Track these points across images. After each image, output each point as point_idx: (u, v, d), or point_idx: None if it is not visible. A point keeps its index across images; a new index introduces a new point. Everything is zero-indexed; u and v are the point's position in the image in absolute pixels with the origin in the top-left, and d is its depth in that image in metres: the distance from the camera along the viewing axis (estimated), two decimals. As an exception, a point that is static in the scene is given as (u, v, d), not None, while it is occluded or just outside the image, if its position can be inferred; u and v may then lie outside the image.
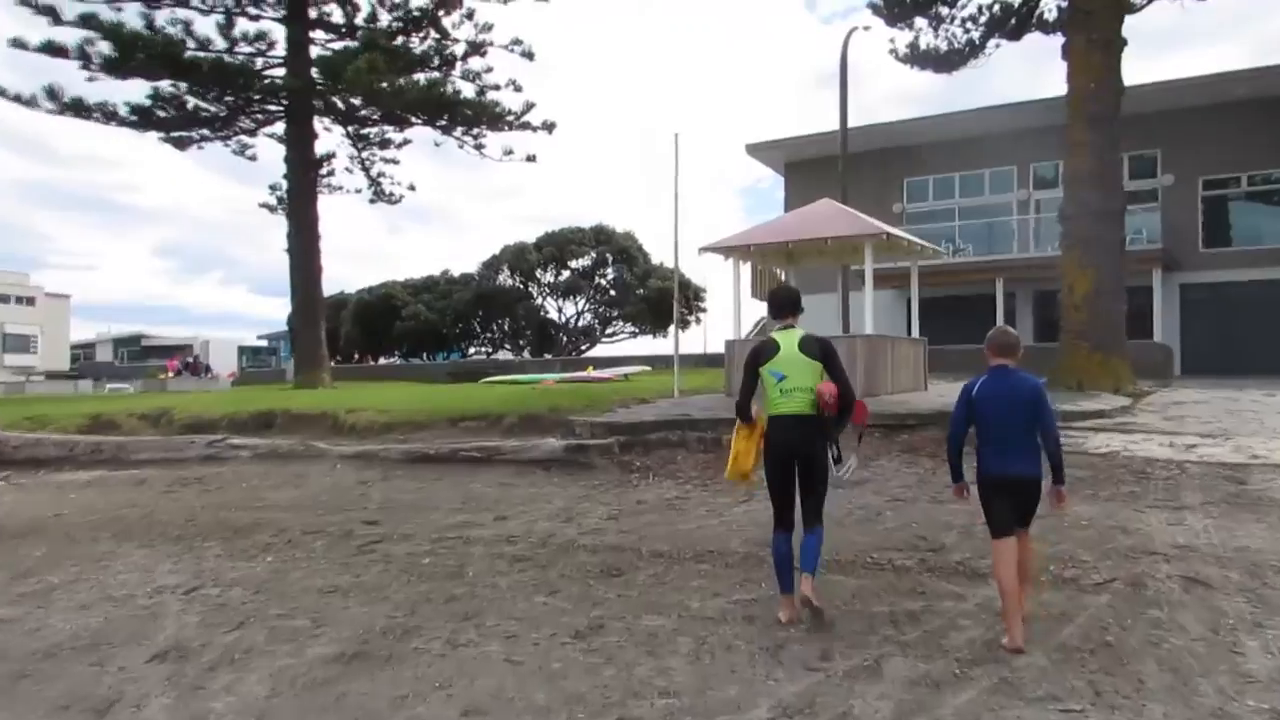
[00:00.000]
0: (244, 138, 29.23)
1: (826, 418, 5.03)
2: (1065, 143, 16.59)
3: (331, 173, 31.45)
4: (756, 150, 33.01)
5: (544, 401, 13.74)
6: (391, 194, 32.53)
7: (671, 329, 48.67)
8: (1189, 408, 14.32)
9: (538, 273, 46.36)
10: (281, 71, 26.65)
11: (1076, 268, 16.10)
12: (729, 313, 15.92)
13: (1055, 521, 7.26)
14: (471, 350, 48.68)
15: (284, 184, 28.27)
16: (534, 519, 8.37)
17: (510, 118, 28.33)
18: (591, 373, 23.62)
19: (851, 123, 22.87)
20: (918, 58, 22.07)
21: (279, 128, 28.34)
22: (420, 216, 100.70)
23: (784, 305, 5.38)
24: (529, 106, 27.96)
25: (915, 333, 17.01)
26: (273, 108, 27.85)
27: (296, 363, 28.68)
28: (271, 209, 30.03)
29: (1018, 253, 27.97)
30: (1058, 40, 17.73)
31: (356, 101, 27.24)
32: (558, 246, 44.96)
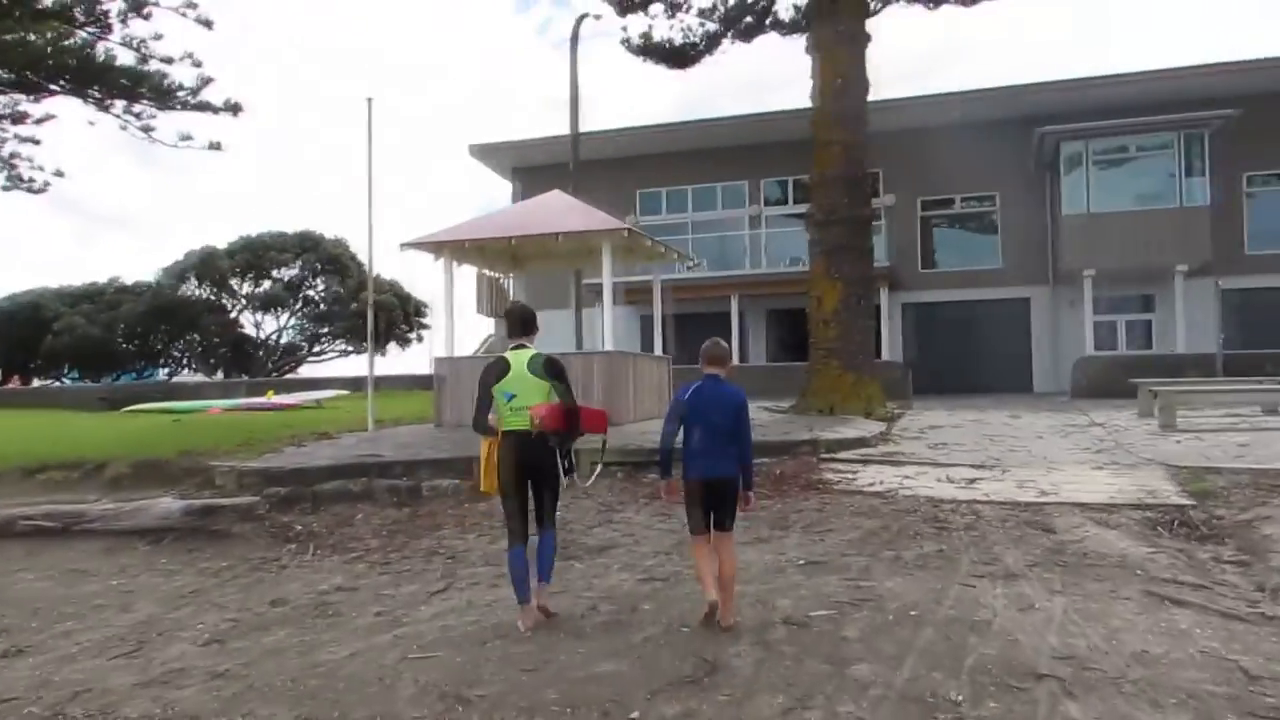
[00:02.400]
0: None
1: (553, 433, 5.19)
2: (813, 143, 15.26)
3: (-59, 147, 25.01)
4: (483, 153, 30.26)
5: (178, 441, 10.13)
6: (31, 180, 26.43)
7: (390, 347, 44.56)
8: (946, 433, 13.23)
9: (232, 283, 40.50)
10: None
11: (826, 278, 14.76)
12: (460, 325, 13.11)
13: (882, 620, 5.08)
14: (162, 371, 41.83)
15: None
16: (70, 653, 5.02)
17: (182, 93, 23.62)
18: (272, 399, 19.61)
19: (585, 132, 20.75)
20: (650, 49, 20.38)
21: None
22: (119, 225, 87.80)
23: (516, 325, 5.45)
24: (205, 81, 23.43)
25: (658, 350, 14.98)
26: None
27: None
28: None
29: (750, 269, 27.15)
30: (794, 43, 16.63)
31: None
32: (254, 253, 39.44)
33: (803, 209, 28.03)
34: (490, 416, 5.33)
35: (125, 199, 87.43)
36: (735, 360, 24.01)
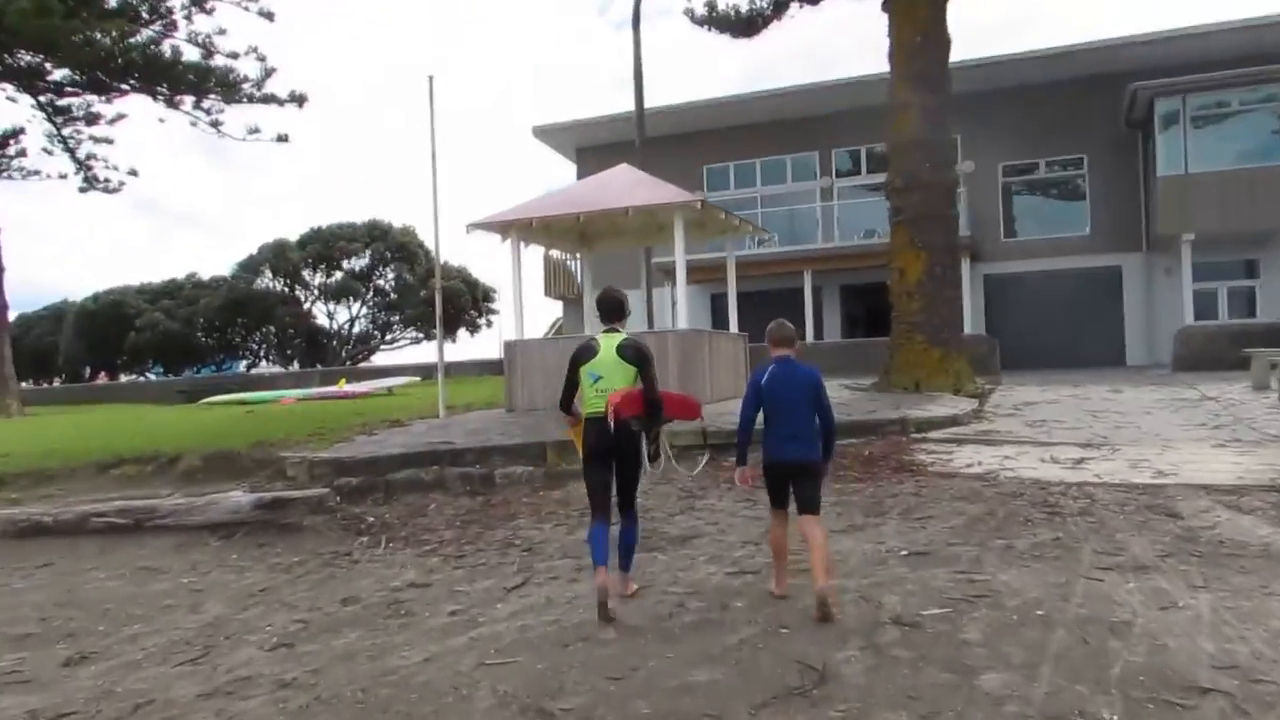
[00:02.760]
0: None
1: (634, 418, 5.16)
2: (890, 106, 14.51)
3: (22, 152, 25.66)
4: (545, 134, 29.93)
5: (250, 432, 10.00)
6: (107, 181, 26.98)
7: (459, 333, 44.73)
8: (1042, 409, 12.46)
9: (304, 274, 41.05)
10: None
11: (908, 248, 14.05)
12: (527, 308, 12.78)
13: (1004, 619, 4.56)
14: (240, 364, 42.73)
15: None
16: (135, 659, 4.78)
17: (247, 86, 23.79)
18: (344, 387, 19.60)
19: (650, 108, 20.21)
20: (716, 19, 19.68)
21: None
22: (194, 222, 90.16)
23: (610, 310, 5.45)
24: (269, 72, 23.59)
25: (734, 328, 14.44)
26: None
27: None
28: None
29: (822, 243, 26.33)
30: (862, 6, 15.83)
31: (38, 59, 21.84)
32: (324, 244, 39.88)
33: (875, 180, 27.20)
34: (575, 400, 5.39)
35: (199, 197, 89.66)
36: (809, 338, 23.31)
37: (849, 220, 27.24)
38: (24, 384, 41.60)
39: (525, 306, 13.01)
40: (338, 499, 8.04)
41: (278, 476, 8.79)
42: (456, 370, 26.09)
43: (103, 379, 40.80)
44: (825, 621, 4.60)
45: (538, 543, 6.78)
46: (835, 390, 15.02)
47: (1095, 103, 24.19)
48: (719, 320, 23.64)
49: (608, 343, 5.24)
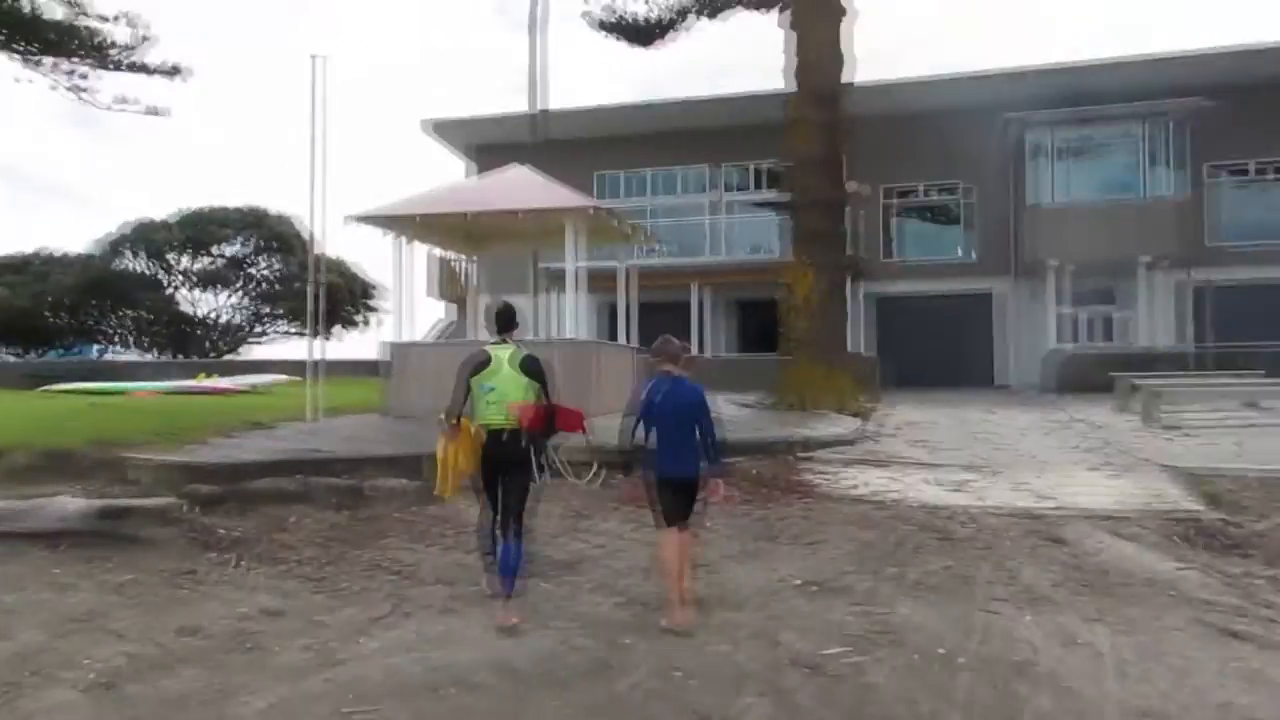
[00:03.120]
0: None
1: (528, 432, 5.17)
2: (787, 123, 14.50)
3: None
4: (438, 129, 29.01)
5: (91, 427, 9.06)
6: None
7: (337, 330, 42.97)
8: (925, 429, 12.60)
9: (170, 257, 38.58)
10: None
11: (798, 265, 14.03)
12: (411, 308, 12.12)
13: (907, 660, 4.35)
14: (95, 349, 39.76)
15: None
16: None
17: (115, 51, 22.09)
18: (205, 382, 18.33)
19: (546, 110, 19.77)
20: (614, 25, 19.45)
21: None
22: (60, 194, 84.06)
23: (499, 321, 5.44)
24: (142, 39, 21.91)
25: (624, 339, 14.12)
26: None
27: None
28: None
29: (711, 256, 26.35)
30: (763, 22, 15.93)
31: None
32: (196, 227, 37.57)
33: (766, 196, 27.48)
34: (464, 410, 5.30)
35: (68, 169, 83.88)
36: (696, 351, 23.23)
37: (738, 235, 27.38)
38: None
39: (409, 307, 12.38)
40: (186, 509, 7.28)
41: (118, 479, 7.95)
42: (332, 370, 24.79)
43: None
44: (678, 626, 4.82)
45: (409, 565, 6.26)
46: (724, 406, 14.81)
47: (975, 131, 24.98)
48: (604, 329, 23.34)
49: (499, 354, 5.24)
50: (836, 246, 14.29)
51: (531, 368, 5.22)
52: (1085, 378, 18.35)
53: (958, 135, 25.20)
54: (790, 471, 9.63)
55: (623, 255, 14.20)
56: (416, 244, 14.13)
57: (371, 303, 42.55)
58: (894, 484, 9.00)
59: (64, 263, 37.63)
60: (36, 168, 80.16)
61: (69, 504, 6.65)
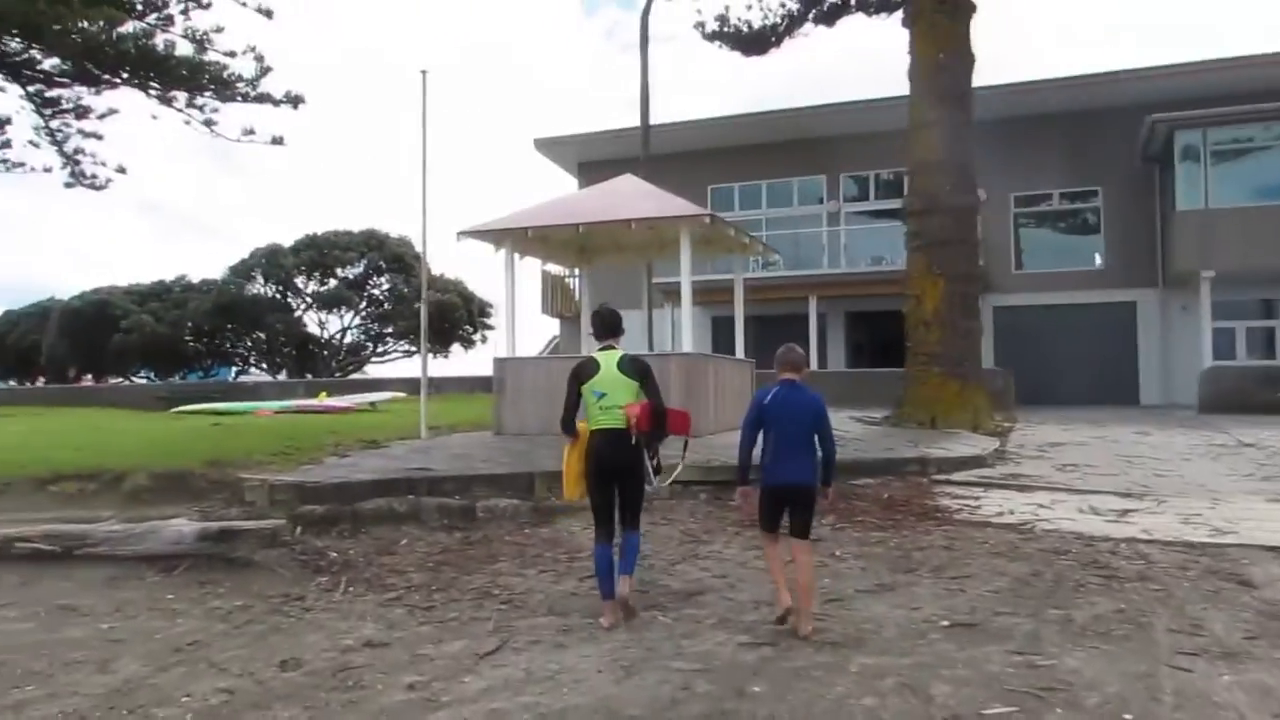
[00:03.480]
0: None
1: (640, 433, 5.24)
2: (910, 126, 13.76)
3: (7, 143, 24.75)
4: (547, 146, 29.22)
5: (212, 448, 9.10)
6: (94, 177, 26.05)
7: (456, 348, 43.86)
8: (1070, 451, 11.63)
9: (297, 281, 40.14)
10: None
11: (926, 275, 13.26)
12: (524, 326, 11.92)
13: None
14: (231, 370, 41.69)
15: (-73, 149, 21.51)
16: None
17: (241, 84, 22.97)
18: (324, 401, 18.67)
19: (656, 125, 19.48)
20: (726, 35, 19.02)
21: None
22: (196, 226, 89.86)
23: (606, 327, 5.53)
24: (264, 71, 22.70)
25: (740, 353, 13.61)
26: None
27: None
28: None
29: (828, 269, 25.55)
30: (883, 22, 15.22)
31: (24, 45, 21.03)
32: (319, 251, 39.00)
33: (885, 205, 26.56)
34: (578, 423, 5.45)
35: (203, 200, 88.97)
36: (814, 366, 22.50)
37: (856, 246, 26.51)
38: (7, 383, 40.68)
39: (521, 323, 12.22)
40: (296, 530, 7.15)
41: (235, 500, 7.91)
42: (448, 387, 25.21)
43: (88, 381, 39.82)
44: (801, 636, 4.79)
45: (519, 593, 5.90)
46: (846, 423, 14.24)
47: (1112, 134, 23.52)
48: (720, 345, 22.83)
49: (607, 359, 5.34)
50: (968, 255, 13.43)
51: (633, 368, 5.31)
52: (1247, 397, 16.83)
53: (1094, 140, 23.79)
54: (924, 495, 8.93)
55: (738, 267, 13.69)
56: (528, 259, 14.01)
57: (488, 320, 43.25)
58: (1043, 511, 8.20)
59: (199, 289, 39.62)
60: (175, 201, 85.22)
61: (184, 527, 6.57)
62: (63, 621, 5.50)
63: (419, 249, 42.46)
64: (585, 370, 5.33)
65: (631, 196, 11.50)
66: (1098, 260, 24.93)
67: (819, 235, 26.55)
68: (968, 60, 13.55)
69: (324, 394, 20.04)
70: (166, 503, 7.80)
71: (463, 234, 11.33)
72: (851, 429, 12.73)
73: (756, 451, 5.08)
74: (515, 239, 11.56)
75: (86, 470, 8.22)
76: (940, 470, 9.83)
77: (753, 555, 6.72)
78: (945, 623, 5.20)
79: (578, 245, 13.02)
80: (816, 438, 4.99)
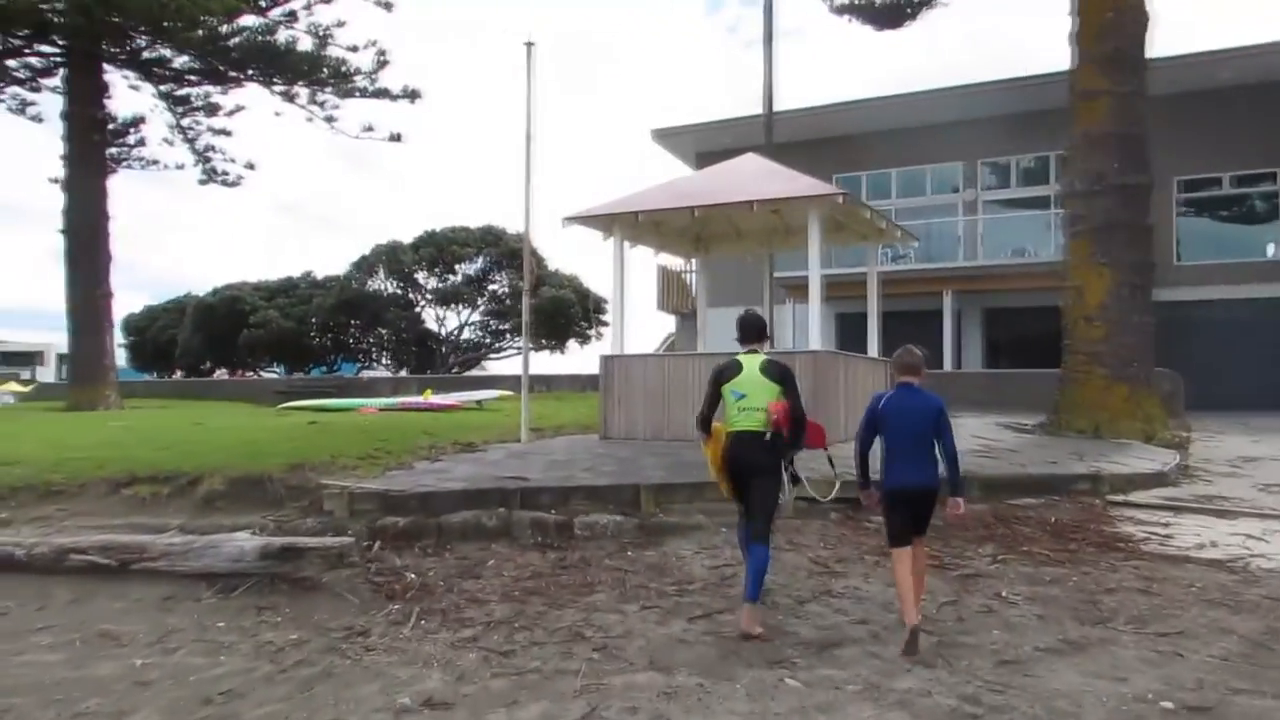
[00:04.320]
0: (20, 90, 23.08)
1: (779, 435, 5.14)
2: (1074, 95, 12.15)
3: (141, 141, 25.51)
4: (664, 137, 28.26)
5: (298, 449, 8.47)
6: (225, 174, 26.68)
7: (571, 344, 43.49)
8: (1268, 467, 9.89)
9: (417, 277, 40.39)
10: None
11: (1089, 264, 11.67)
12: (638, 322, 11.05)
13: None
14: (354, 366, 42.42)
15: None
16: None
17: (360, 78, 22.95)
18: (430, 399, 18.17)
19: (778, 111, 18.18)
20: (857, 7, 17.63)
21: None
22: (329, 224, 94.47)
23: (750, 331, 5.44)
24: (382, 63, 22.67)
25: (873, 351, 12.31)
26: (48, 49, 21.89)
27: (72, 376, 22.65)
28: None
29: (964, 261, 23.72)
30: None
31: (151, 45, 21.50)
32: (438, 247, 39.07)
33: (1027, 193, 24.53)
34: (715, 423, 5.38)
35: (336, 199, 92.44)
36: (948, 366, 20.80)
37: (995, 238, 24.56)
38: (148, 376, 42.44)
39: (635, 320, 11.29)
40: (375, 545, 6.36)
41: (313, 509, 7.20)
42: (560, 384, 24.57)
43: (222, 374, 41.16)
44: (911, 655, 4.45)
45: (616, 636, 4.91)
46: (994, 431, 12.73)
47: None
48: (846, 344, 21.39)
49: (749, 361, 5.27)
50: (1139, 241, 11.75)
51: (775, 372, 5.22)
52: None
53: (1273, 115, 21.25)
54: (1100, 519, 7.52)
55: (872, 258, 12.36)
56: (643, 251, 13.04)
57: (604, 316, 42.62)
58: (1256, 544, 6.73)
59: (323, 285, 40.29)
60: (311, 201, 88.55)
61: (245, 543, 5.84)
62: (96, 653, 4.80)
63: (537, 246, 41.87)
64: (727, 371, 5.28)
65: (754, 177, 10.39)
66: (1270, 251, 22.31)
67: (954, 226, 24.70)
68: (1141, 19, 11.85)
69: (429, 391, 19.60)
70: (241, 510, 7.16)
71: (569, 219, 10.45)
72: (1002, 438, 11.27)
73: (874, 458, 4.96)
74: (625, 225, 10.60)
75: (164, 472, 7.68)
76: (1115, 489, 8.36)
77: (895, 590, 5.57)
78: (1167, 704, 3.95)
79: (693, 233, 11.98)
80: (937, 443, 4.83)
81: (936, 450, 4.85)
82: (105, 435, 10.30)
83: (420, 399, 17.97)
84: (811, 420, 5.39)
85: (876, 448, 4.96)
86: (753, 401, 5.15)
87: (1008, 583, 5.89)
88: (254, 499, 7.35)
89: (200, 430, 10.93)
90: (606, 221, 10.55)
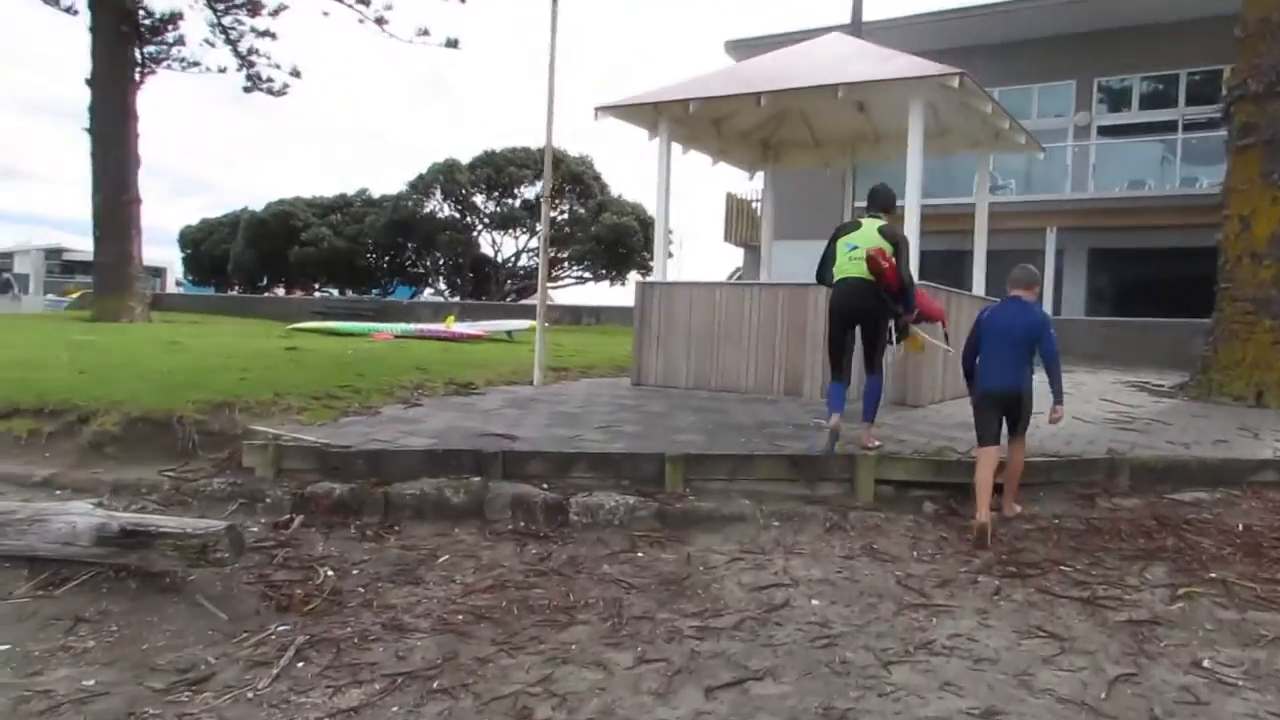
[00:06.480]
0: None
1: (884, 285, 5.53)
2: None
3: (180, 40, 23.90)
4: (737, 49, 25.62)
5: (247, 384, 6.70)
6: (270, 80, 25.02)
7: (633, 276, 41.46)
8: None
9: (476, 200, 38.60)
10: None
11: (1258, 185, 9.21)
12: (703, 253, 8.92)
13: None
14: (409, 289, 41.11)
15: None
16: None
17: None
18: (452, 326, 16.32)
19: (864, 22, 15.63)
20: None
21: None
22: (409, 152, 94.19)
23: (877, 199, 5.76)
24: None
25: (979, 289, 10.06)
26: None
27: (96, 285, 21.48)
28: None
29: (1072, 194, 20.93)
30: None
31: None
32: (495, 169, 37.08)
33: (1150, 118, 21.49)
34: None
35: (416, 128, 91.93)
36: (1051, 314, 18.33)
37: (1108, 168, 21.61)
38: (206, 290, 41.75)
39: (701, 251, 9.37)
40: (286, 520, 4.56)
41: (230, 464, 5.43)
42: (610, 316, 22.68)
43: (279, 291, 40.21)
44: (981, 548, 4.59)
45: (599, 715, 3.01)
46: (1124, 393, 10.41)
47: None
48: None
49: (869, 223, 5.56)
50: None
51: (890, 233, 5.51)
52: None
53: None
54: (1306, 527, 5.37)
55: (982, 170, 10.03)
56: (710, 170, 10.90)
57: (670, 246, 40.46)
58: None
59: (377, 204, 38.75)
60: (391, 130, 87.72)
61: (79, 519, 4.07)
62: None
63: (600, 171, 39.61)
64: (846, 227, 5.63)
65: (839, 59, 8.15)
66: None
67: (1063, 153, 21.77)
68: None
69: (450, 318, 17.80)
70: (135, 460, 5.44)
71: (601, 109, 8.35)
72: (1138, 403, 9.04)
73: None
74: (673, 119, 8.44)
75: (53, 404, 5.96)
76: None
77: (1040, 641, 3.57)
78: None
79: (760, 136, 9.77)
80: (1039, 351, 5.00)
81: (1030, 359, 5.05)
82: (44, 353, 8.68)
83: (441, 326, 16.19)
84: (932, 301, 5.84)
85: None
86: (863, 253, 5.46)
87: (1204, 639, 3.83)
88: (157, 446, 5.61)
89: (163, 351, 9.27)
90: (650, 114, 8.40)
